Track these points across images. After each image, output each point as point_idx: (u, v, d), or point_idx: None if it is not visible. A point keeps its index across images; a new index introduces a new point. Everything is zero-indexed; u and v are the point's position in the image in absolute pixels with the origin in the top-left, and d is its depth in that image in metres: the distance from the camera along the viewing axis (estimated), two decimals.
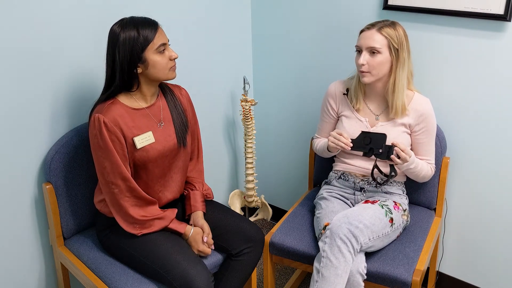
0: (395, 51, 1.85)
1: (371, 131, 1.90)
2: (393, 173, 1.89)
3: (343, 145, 1.88)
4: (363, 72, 1.88)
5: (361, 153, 1.92)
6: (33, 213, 1.89)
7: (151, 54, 1.66)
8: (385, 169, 1.95)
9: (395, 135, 1.92)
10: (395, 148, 1.83)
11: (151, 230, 1.74)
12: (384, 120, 1.98)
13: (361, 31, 1.90)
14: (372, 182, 2.00)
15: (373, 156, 1.86)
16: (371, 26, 1.87)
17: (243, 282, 1.87)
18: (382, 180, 1.97)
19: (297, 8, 2.43)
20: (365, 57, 1.86)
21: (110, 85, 1.71)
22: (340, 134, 1.89)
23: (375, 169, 1.90)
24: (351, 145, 1.87)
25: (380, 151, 1.82)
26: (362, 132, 1.88)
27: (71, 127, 1.93)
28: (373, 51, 1.85)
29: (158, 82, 1.76)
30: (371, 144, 1.84)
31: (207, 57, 2.44)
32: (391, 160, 1.84)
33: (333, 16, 2.32)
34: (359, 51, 1.89)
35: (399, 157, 1.84)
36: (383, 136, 1.83)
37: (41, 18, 1.74)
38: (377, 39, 1.84)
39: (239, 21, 2.57)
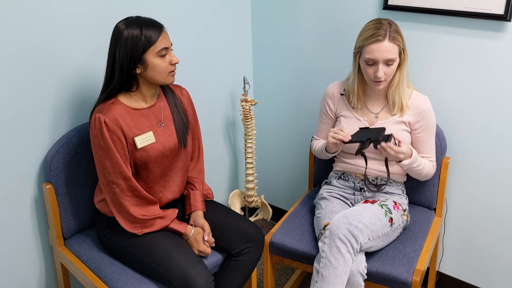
0: (403, 51, 1.86)
1: (369, 127, 1.88)
2: (367, 144, 1.84)
3: (341, 137, 1.86)
4: (379, 81, 1.87)
5: (357, 150, 1.89)
6: (33, 213, 1.89)
7: (151, 57, 1.66)
8: (379, 173, 1.97)
9: (395, 133, 1.92)
10: (394, 137, 1.83)
11: (152, 230, 1.74)
12: (383, 118, 1.98)
13: (370, 43, 1.82)
14: (372, 181, 2.00)
15: (364, 162, 1.86)
16: (378, 36, 1.81)
17: (243, 282, 1.87)
18: (375, 186, 1.97)
19: (297, 8, 2.43)
20: (382, 69, 1.83)
21: (109, 83, 1.71)
22: (341, 130, 1.89)
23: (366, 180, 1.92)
24: (350, 137, 1.86)
25: (380, 138, 1.81)
26: (360, 128, 1.87)
27: (71, 127, 1.93)
28: (389, 62, 1.83)
29: (157, 84, 1.76)
30: (369, 135, 1.83)
31: (207, 57, 2.44)
32: (385, 146, 1.81)
33: (333, 16, 2.32)
34: (372, 64, 1.84)
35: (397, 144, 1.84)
36: (382, 128, 1.83)
37: (42, 17, 1.74)
38: (392, 50, 1.81)
39: (239, 21, 2.57)
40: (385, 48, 1.80)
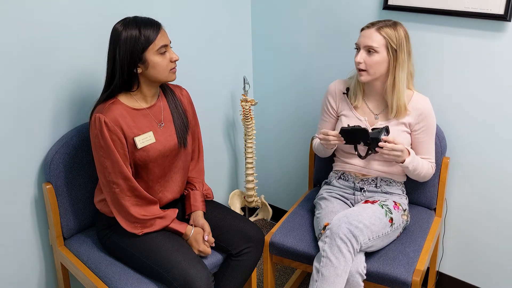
0: (393, 52, 1.86)
1: (350, 127, 1.86)
2: (371, 151, 1.86)
3: (335, 142, 1.89)
4: (360, 70, 1.89)
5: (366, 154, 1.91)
6: (33, 213, 1.89)
7: (151, 55, 1.66)
8: (379, 173, 1.99)
9: (395, 134, 1.92)
10: (382, 138, 1.83)
11: (152, 230, 1.74)
12: (384, 119, 1.98)
13: (361, 29, 1.91)
14: (371, 182, 2.00)
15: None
16: (371, 25, 1.87)
17: (243, 282, 1.88)
18: (364, 153, 1.93)
19: (297, 8, 2.43)
20: (362, 55, 1.87)
21: (110, 84, 1.71)
22: (326, 134, 1.91)
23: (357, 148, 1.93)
24: (343, 141, 1.87)
25: (368, 142, 1.83)
26: (342, 128, 1.86)
27: (71, 127, 1.93)
28: (370, 50, 1.85)
29: (159, 83, 1.76)
30: (356, 138, 1.84)
31: (207, 57, 2.44)
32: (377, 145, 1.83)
33: (333, 16, 2.32)
34: (357, 48, 1.90)
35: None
36: (364, 130, 1.81)
37: (43, 17, 1.74)
38: (375, 39, 1.84)
39: (239, 21, 2.57)
40: (368, 35, 1.86)
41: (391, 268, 1.78)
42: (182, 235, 1.80)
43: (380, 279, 1.79)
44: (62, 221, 1.88)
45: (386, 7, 2.13)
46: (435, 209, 2.16)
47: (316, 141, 2.15)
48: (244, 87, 2.49)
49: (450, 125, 2.12)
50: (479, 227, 2.19)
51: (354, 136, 1.84)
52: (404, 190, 2.07)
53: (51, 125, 1.86)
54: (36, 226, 1.91)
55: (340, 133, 1.86)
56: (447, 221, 2.27)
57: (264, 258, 2.03)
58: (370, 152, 1.88)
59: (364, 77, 1.90)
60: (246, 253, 1.85)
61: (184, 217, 1.92)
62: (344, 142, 1.88)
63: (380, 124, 1.96)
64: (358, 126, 1.83)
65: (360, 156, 1.90)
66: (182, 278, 1.62)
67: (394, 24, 1.87)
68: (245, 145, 2.56)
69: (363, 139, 1.83)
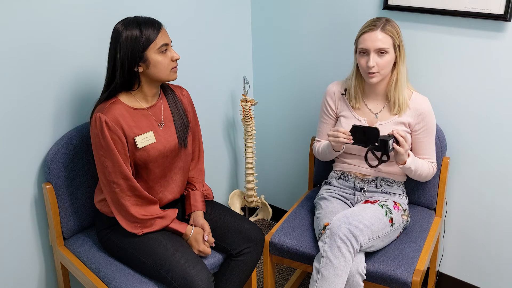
0: (398, 48, 1.87)
1: (362, 125, 1.86)
2: (384, 157, 1.86)
3: (344, 140, 1.87)
4: (372, 73, 1.87)
5: (359, 147, 1.90)
6: (33, 213, 1.89)
7: (152, 54, 1.66)
8: (379, 173, 1.99)
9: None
10: (394, 135, 1.82)
11: (152, 229, 1.74)
12: (383, 119, 1.98)
13: (363, 33, 1.87)
14: (371, 182, 2.00)
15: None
16: (372, 26, 1.86)
17: (243, 282, 1.88)
18: (374, 164, 1.94)
19: (297, 8, 2.43)
20: (374, 58, 1.85)
21: (110, 83, 1.71)
22: (337, 131, 1.89)
23: (369, 152, 1.90)
24: (352, 140, 1.86)
25: (376, 144, 1.81)
26: (354, 126, 1.86)
27: (71, 127, 1.93)
28: (381, 52, 1.84)
29: (160, 82, 1.76)
30: (366, 138, 1.83)
31: (207, 57, 2.44)
32: (388, 153, 1.82)
33: (333, 16, 2.32)
34: (364, 53, 1.87)
35: (398, 144, 1.84)
36: (375, 130, 1.81)
37: (43, 16, 1.74)
38: (384, 40, 1.84)
39: (239, 21, 2.57)
40: (376, 37, 1.83)
41: (391, 268, 1.78)
42: (182, 235, 1.80)
43: (380, 279, 1.79)
44: (62, 221, 1.88)
45: (386, 7, 2.13)
46: (435, 209, 2.16)
47: (319, 145, 2.13)
48: (244, 87, 2.49)
49: (450, 125, 2.12)
50: (479, 227, 2.19)
51: (363, 135, 1.82)
52: (404, 190, 2.07)
53: (51, 124, 1.87)
54: (36, 226, 1.91)
55: (351, 130, 1.85)
56: (447, 221, 2.27)
57: (264, 258, 2.04)
58: (382, 160, 1.86)
59: (376, 79, 1.89)
60: (246, 253, 1.85)
61: (184, 217, 1.92)
62: (353, 142, 1.86)
63: (379, 123, 1.96)
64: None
65: (370, 166, 1.89)
66: (182, 278, 1.62)
67: (388, 21, 1.88)
68: (245, 145, 2.56)
69: (371, 140, 1.81)
